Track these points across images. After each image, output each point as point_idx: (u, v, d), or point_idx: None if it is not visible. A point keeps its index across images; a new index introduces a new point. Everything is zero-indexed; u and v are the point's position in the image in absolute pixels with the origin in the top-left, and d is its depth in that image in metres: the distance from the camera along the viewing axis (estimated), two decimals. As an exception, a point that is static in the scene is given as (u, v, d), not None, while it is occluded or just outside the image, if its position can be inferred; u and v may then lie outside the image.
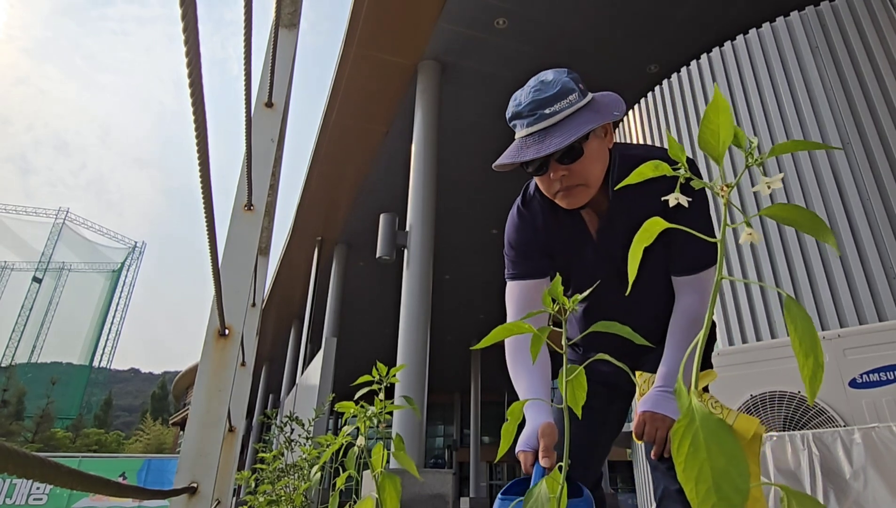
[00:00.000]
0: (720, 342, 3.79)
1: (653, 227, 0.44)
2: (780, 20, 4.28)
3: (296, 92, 1.49)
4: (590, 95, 1.15)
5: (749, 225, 0.40)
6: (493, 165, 1.16)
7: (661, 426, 1.10)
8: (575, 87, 1.12)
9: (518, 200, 1.33)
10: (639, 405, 1.14)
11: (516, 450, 1.13)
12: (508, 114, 1.15)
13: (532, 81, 1.14)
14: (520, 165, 1.12)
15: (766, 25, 4.34)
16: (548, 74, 1.14)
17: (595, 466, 1.36)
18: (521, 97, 1.13)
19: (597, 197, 1.20)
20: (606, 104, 1.15)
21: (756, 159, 0.38)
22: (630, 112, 5.51)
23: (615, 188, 1.17)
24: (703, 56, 4.66)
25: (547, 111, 1.09)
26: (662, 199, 0.53)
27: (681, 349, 1.14)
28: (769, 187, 0.39)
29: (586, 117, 1.08)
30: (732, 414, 1.05)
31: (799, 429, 2.32)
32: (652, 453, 1.13)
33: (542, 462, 1.04)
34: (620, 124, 5.70)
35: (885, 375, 2.27)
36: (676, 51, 6.62)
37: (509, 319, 1.27)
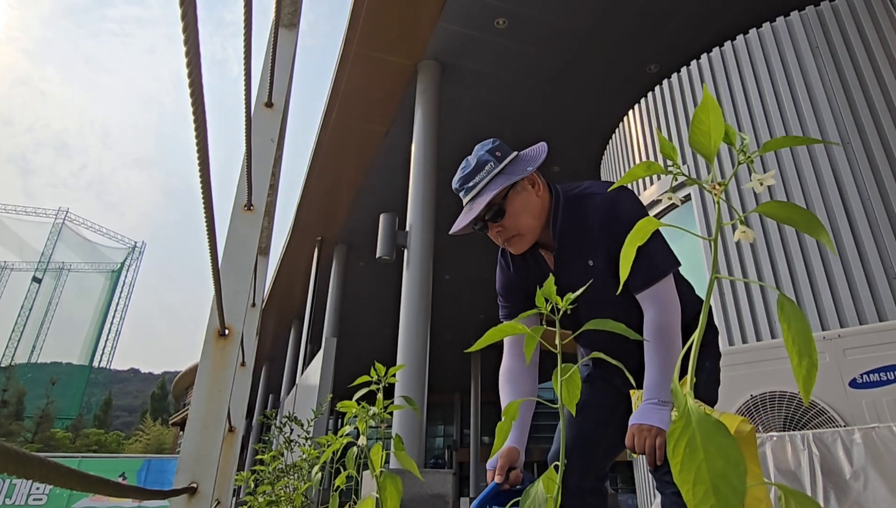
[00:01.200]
0: (720, 343, 3.79)
1: (647, 226, 0.45)
2: (780, 20, 4.28)
3: (296, 92, 1.49)
4: (508, 158, 1.37)
5: (743, 223, 0.40)
6: (450, 232, 1.41)
7: (648, 436, 1.18)
8: (490, 158, 1.36)
9: (499, 252, 1.53)
10: (630, 420, 1.24)
11: (487, 466, 1.33)
12: (453, 188, 1.41)
13: (462, 162, 1.41)
14: (472, 229, 1.37)
15: (766, 25, 4.34)
16: (472, 153, 1.40)
17: (597, 460, 1.44)
18: (456, 176, 1.40)
19: (548, 237, 1.40)
20: (524, 161, 1.36)
21: (747, 157, 0.38)
22: (630, 112, 5.51)
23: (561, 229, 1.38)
24: (703, 56, 4.66)
25: (470, 184, 1.35)
26: (664, 196, 0.54)
27: (654, 360, 1.24)
28: (762, 184, 0.39)
29: (498, 182, 1.32)
30: (715, 414, 1.07)
31: (799, 429, 2.32)
32: (646, 463, 1.21)
33: (496, 479, 1.26)
34: (621, 124, 5.71)
35: (885, 375, 2.27)
36: (676, 51, 6.61)
37: (505, 354, 1.49)
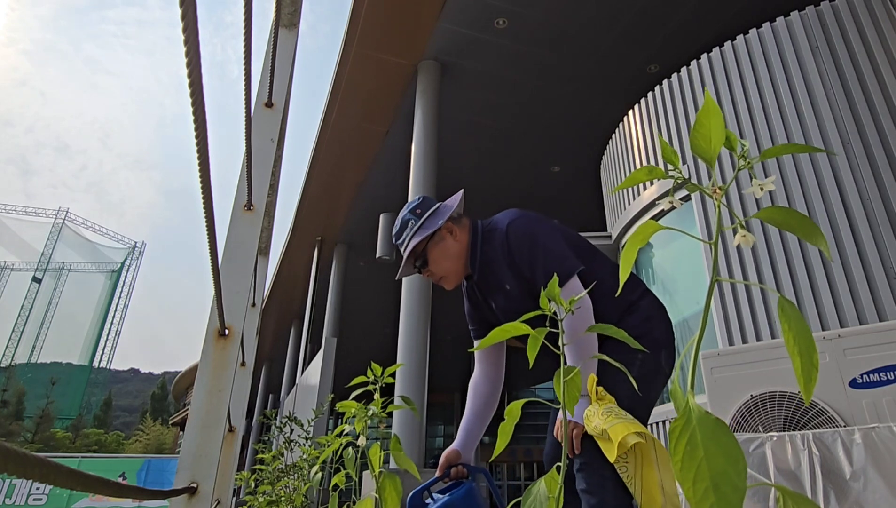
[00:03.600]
0: (720, 343, 3.79)
1: (647, 229, 0.45)
2: (780, 20, 4.28)
3: (296, 92, 1.49)
4: (427, 214, 1.61)
5: (743, 227, 0.40)
6: (396, 278, 1.78)
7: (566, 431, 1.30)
8: (412, 216, 1.61)
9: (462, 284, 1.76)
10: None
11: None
12: None
13: (397, 220, 1.67)
14: (413, 273, 1.66)
15: (766, 25, 4.33)
16: (401, 212, 1.66)
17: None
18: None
19: (472, 272, 1.65)
20: (441, 214, 1.61)
21: (748, 162, 0.39)
22: (630, 112, 5.51)
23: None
24: (703, 56, 4.65)
25: (399, 241, 1.63)
26: (664, 199, 0.54)
27: (568, 359, 1.39)
28: (761, 190, 0.39)
29: (417, 237, 1.58)
30: (613, 419, 1.24)
31: (799, 429, 2.32)
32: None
33: (437, 473, 1.54)
34: (621, 124, 5.70)
35: (886, 375, 2.27)
36: (676, 51, 6.61)
37: (475, 367, 1.76)
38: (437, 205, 1.65)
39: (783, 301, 0.36)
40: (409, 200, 6.50)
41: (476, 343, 1.70)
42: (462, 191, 1.72)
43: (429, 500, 1.47)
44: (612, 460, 1.21)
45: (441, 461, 1.55)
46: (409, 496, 1.45)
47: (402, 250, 1.62)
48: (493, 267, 1.58)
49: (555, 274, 1.37)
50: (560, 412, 1.35)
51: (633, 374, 1.39)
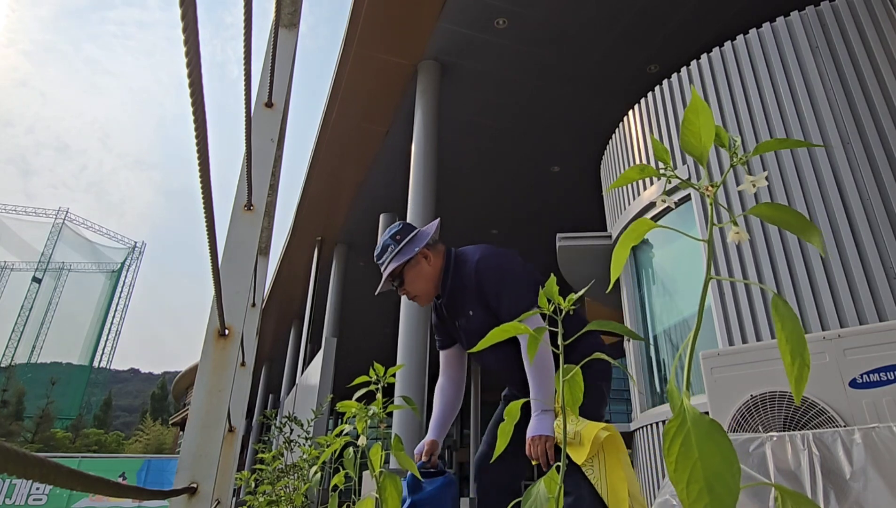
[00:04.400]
0: (720, 343, 3.79)
1: (640, 227, 0.45)
2: (780, 20, 4.28)
3: (296, 92, 1.49)
4: (405, 240, 1.83)
5: (736, 225, 0.40)
6: (375, 293, 1.96)
7: (539, 444, 1.51)
8: (392, 242, 1.84)
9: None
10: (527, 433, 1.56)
11: (415, 451, 1.87)
12: None
13: (378, 243, 1.89)
14: (390, 289, 1.89)
15: (766, 25, 4.33)
16: (382, 236, 1.87)
17: (512, 463, 1.77)
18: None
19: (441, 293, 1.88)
20: (418, 240, 1.83)
21: (740, 159, 0.39)
22: (630, 112, 5.51)
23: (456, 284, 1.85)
24: (703, 56, 4.65)
25: (379, 262, 1.86)
26: (659, 198, 0.55)
27: (532, 381, 1.60)
28: (754, 186, 0.39)
29: (396, 260, 1.81)
30: (581, 425, 1.41)
31: (799, 429, 2.32)
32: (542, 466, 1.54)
33: (423, 458, 1.82)
34: (621, 124, 5.71)
35: (886, 375, 2.26)
36: (676, 51, 6.61)
37: (440, 374, 2.04)
38: (416, 231, 1.87)
39: (776, 299, 0.36)
40: (409, 199, 6.50)
41: (441, 352, 2.04)
42: (438, 219, 1.97)
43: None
44: (580, 461, 1.36)
45: (425, 447, 1.84)
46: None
47: (381, 270, 1.85)
48: (460, 293, 1.82)
49: (511, 307, 1.67)
50: (538, 416, 1.54)
51: (587, 398, 1.56)
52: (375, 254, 1.87)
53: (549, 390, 1.58)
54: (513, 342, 1.71)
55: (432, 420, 1.95)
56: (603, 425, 1.39)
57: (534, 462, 1.54)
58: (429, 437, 1.88)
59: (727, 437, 0.31)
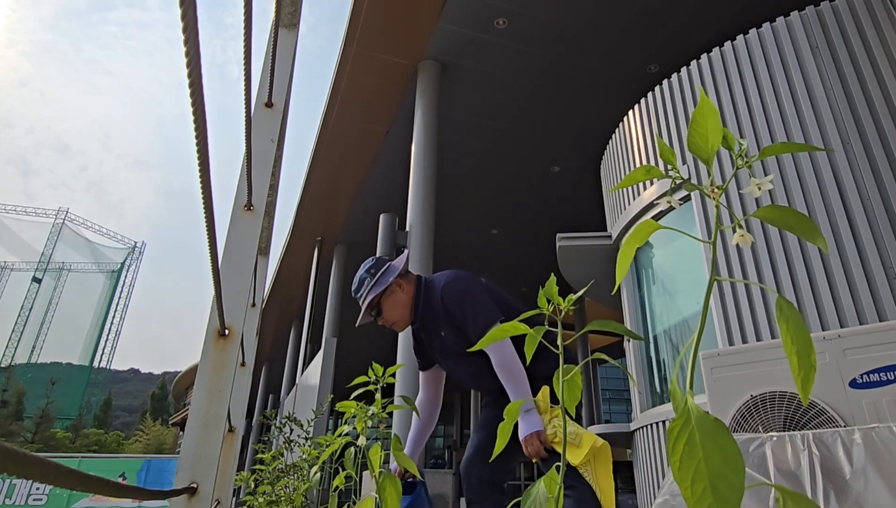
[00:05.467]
0: (720, 343, 3.79)
1: (645, 228, 0.45)
2: (780, 20, 4.28)
3: (296, 92, 1.49)
4: (379, 272, 1.98)
5: (741, 227, 0.40)
6: (356, 325, 2.07)
7: (533, 440, 1.61)
8: (367, 275, 1.99)
9: None
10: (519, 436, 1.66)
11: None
12: None
13: (355, 278, 2.03)
14: (370, 321, 2.03)
15: (766, 25, 4.33)
16: (358, 271, 2.03)
17: (495, 462, 1.85)
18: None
19: (414, 319, 2.04)
20: (391, 272, 1.99)
21: (745, 161, 0.39)
22: (630, 112, 5.51)
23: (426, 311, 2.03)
24: (703, 56, 4.65)
25: (358, 295, 2.00)
26: (663, 199, 0.55)
27: (508, 387, 1.73)
28: (759, 189, 0.39)
29: (372, 292, 1.96)
30: (582, 429, 1.49)
31: (799, 429, 2.31)
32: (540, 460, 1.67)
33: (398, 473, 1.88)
34: (621, 124, 5.71)
35: (885, 375, 2.26)
36: (676, 51, 6.61)
37: (420, 391, 2.21)
38: (388, 264, 2.03)
39: (781, 301, 0.36)
40: (409, 199, 6.51)
41: (420, 373, 2.19)
42: (407, 252, 2.20)
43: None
44: (576, 463, 1.41)
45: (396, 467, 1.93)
46: None
47: (360, 302, 1.99)
48: (431, 317, 1.98)
49: (477, 324, 1.82)
50: (523, 417, 1.61)
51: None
52: (353, 289, 2.02)
53: (524, 390, 1.70)
54: (480, 355, 1.85)
55: (409, 436, 2.14)
56: (595, 435, 1.50)
57: (534, 461, 1.62)
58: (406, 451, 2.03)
59: (731, 437, 0.31)
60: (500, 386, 1.81)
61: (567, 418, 1.47)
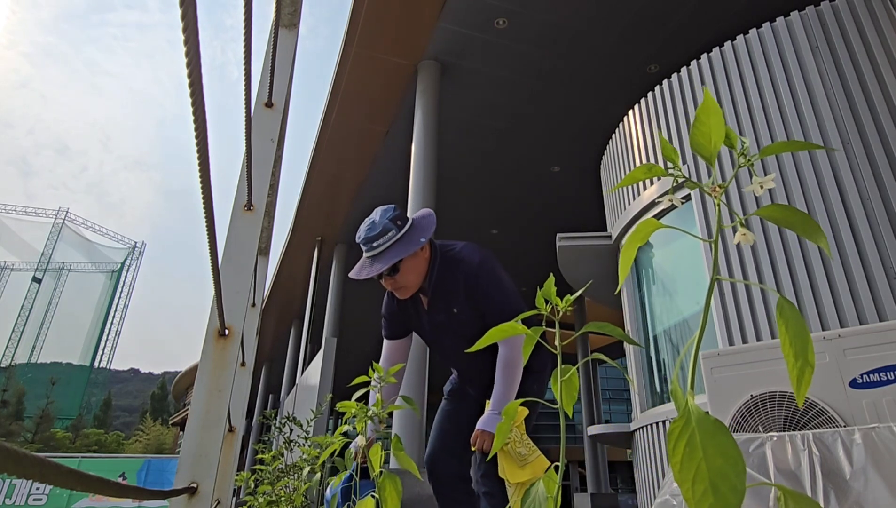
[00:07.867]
0: (720, 343, 3.79)
1: (646, 227, 0.45)
2: (780, 20, 4.28)
3: (296, 92, 1.49)
4: (406, 227, 1.69)
5: (743, 226, 0.40)
6: (349, 275, 1.72)
7: (487, 439, 1.60)
8: (393, 225, 1.67)
9: None
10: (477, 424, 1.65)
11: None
12: (357, 239, 1.73)
13: (367, 220, 1.71)
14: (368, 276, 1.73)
15: (766, 25, 4.33)
16: (376, 215, 1.71)
17: (462, 453, 1.83)
18: (360, 230, 1.70)
19: (425, 286, 1.79)
20: (418, 231, 1.71)
21: (748, 160, 0.39)
22: (630, 112, 5.51)
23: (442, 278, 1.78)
24: (703, 56, 4.65)
25: (374, 244, 1.66)
26: (664, 198, 0.55)
27: (501, 383, 1.66)
28: (762, 188, 0.39)
29: (398, 250, 1.65)
30: (536, 451, 1.52)
31: (799, 429, 2.31)
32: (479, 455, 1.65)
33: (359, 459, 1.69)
34: (621, 124, 5.71)
35: (886, 375, 2.26)
36: (676, 51, 6.61)
37: (381, 362, 1.95)
38: (412, 220, 1.77)
39: (782, 301, 0.36)
40: (409, 199, 6.50)
41: (387, 340, 1.98)
42: (433, 216, 1.84)
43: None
44: (514, 481, 1.49)
45: (360, 448, 1.84)
46: (339, 487, 1.65)
47: (372, 252, 1.67)
48: (447, 290, 1.77)
49: (504, 310, 1.70)
50: (493, 415, 1.60)
51: (536, 385, 1.79)
52: (367, 234, 1.67)
53: (513, 394, 1.66)
54: (491, 347, 1.71)
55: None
56: (547, 464, 1.49)
57: (473, 448, 1.64)
58: (370, 434, 1.74)
59: (732, 437, 0.31)
60: (487, 381, 1.75)
61: (527, 440, 1.48)
